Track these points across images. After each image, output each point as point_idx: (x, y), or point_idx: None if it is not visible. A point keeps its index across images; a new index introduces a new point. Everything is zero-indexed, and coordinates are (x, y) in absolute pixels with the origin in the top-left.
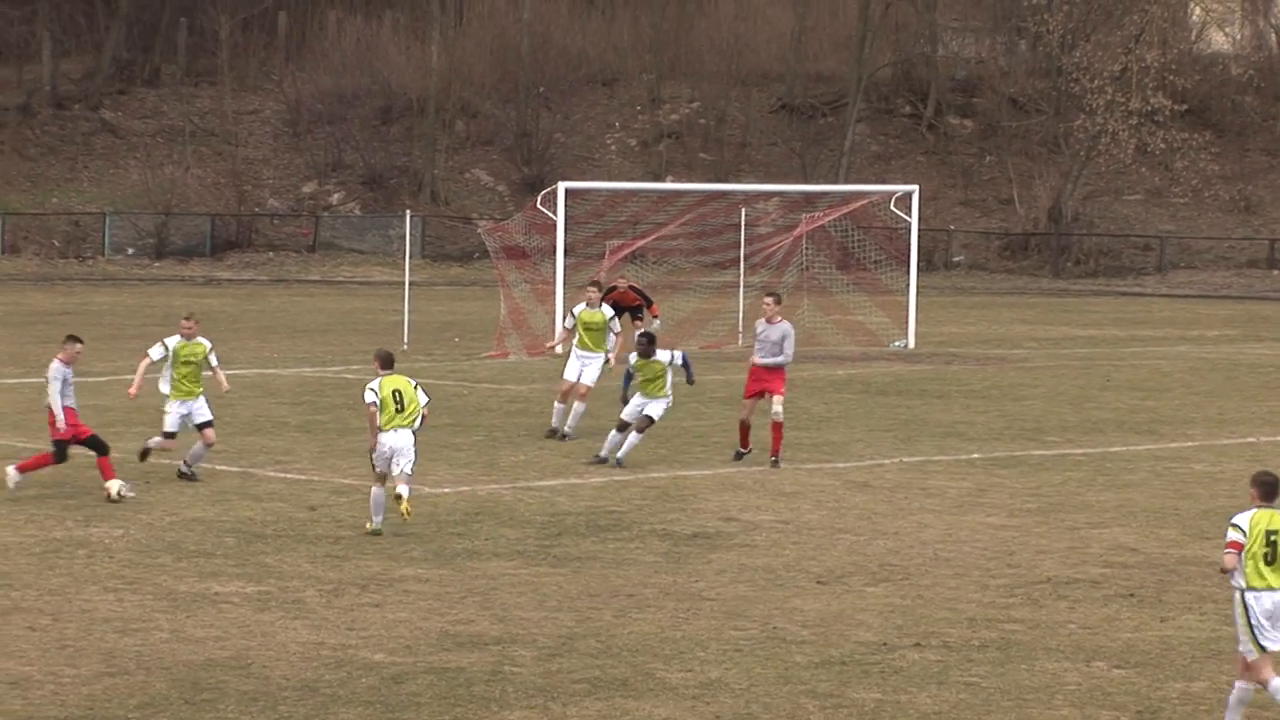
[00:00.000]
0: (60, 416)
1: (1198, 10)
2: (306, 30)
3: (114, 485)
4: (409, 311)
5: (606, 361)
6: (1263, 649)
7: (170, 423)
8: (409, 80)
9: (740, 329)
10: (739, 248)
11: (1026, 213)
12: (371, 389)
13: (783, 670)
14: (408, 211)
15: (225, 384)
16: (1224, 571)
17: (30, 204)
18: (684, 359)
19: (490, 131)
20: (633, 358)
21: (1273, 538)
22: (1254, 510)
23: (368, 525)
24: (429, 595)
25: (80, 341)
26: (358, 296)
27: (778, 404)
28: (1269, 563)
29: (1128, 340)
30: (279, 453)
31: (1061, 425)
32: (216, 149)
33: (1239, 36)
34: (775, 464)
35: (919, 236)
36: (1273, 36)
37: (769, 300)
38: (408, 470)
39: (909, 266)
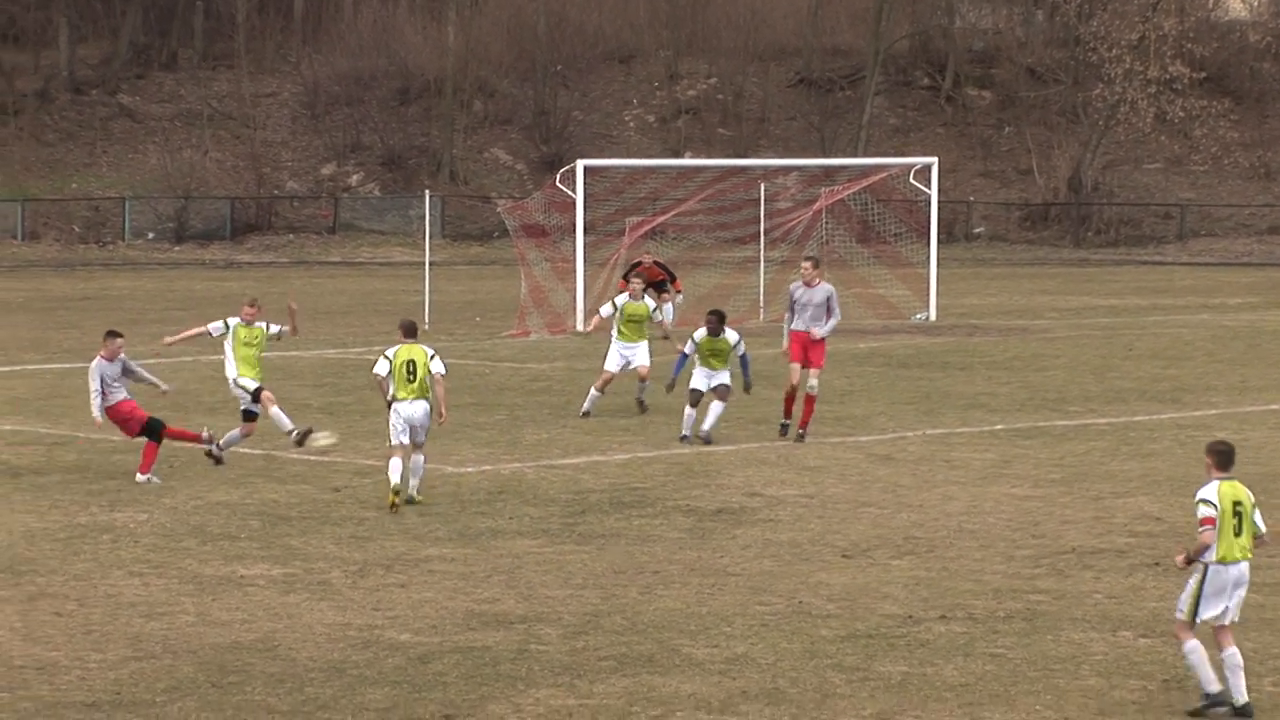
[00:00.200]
0: (98, 417)
1: None
2: (323, 12)
3: (142, 478)
4: (430, 291)
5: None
6: (1195, 619)
7: (249, 384)
8: (426, 61)
9: (762, 304)
10: (759, 223)
11: (1046, 183)
12: (386, 357)
13: (809, 644)
14: (427, 192)
15: (297, 328)
16: (1200, 551)
17: (49, 190)
18: (745, 358)
19: (508, 110)
20: (699, 334)
21: (1238, 508)
22: (1218, 482)
23: (394, 492)
24: (454, 575)
25: (120, 335)
26: (378, 277)
27: (814, 377)
28: (1237, 534)
29: (1149, 309)
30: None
31: (1084, 395)
32: (235, 132)
33: (1257, 3)
34: (801, 438)
35: (939, 208)
36: None
37: (807, 264)
38: (420, 439)
39: (929, 239)
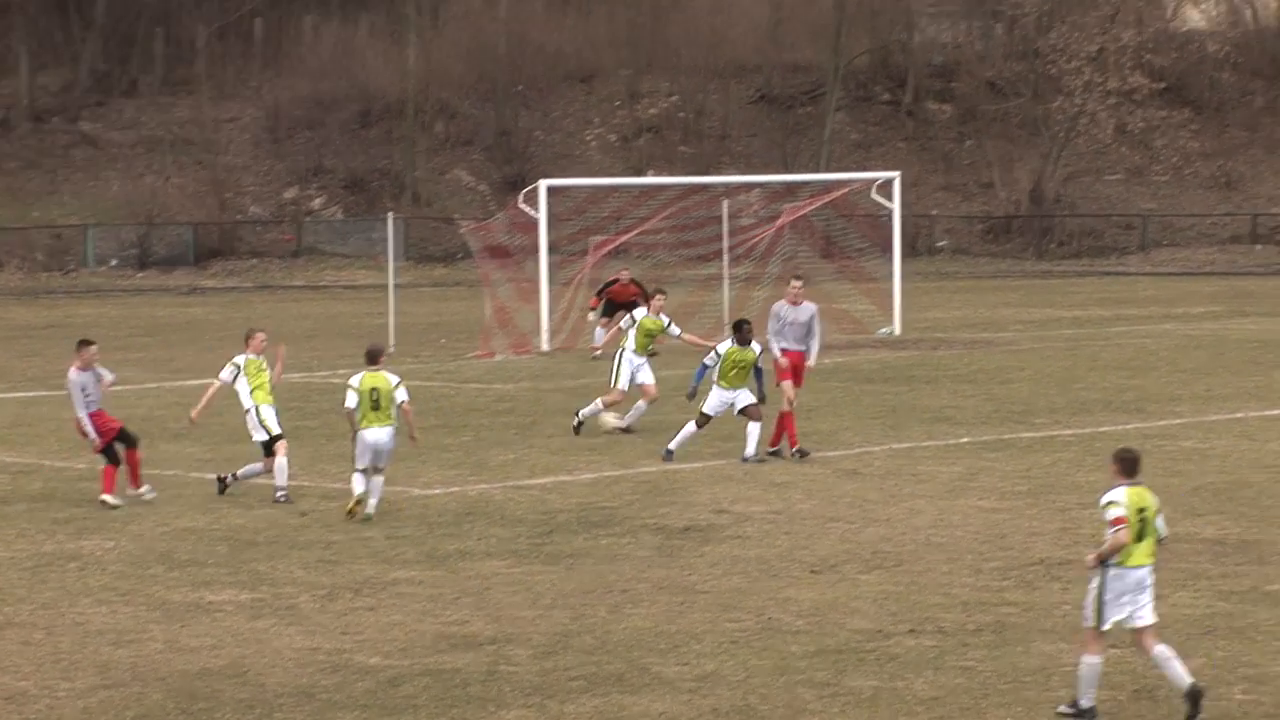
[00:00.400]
0: (89, 427)
1: None
2: (283, 36)
3: (109, 499)
4: (394, 314)
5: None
6: (1101, 623)
7: (272, 424)
8: (387, 83)
9: (726, 320)
10: (722, 240)
11: (1008, 195)
12: (352, 387)
13: (779, 661)
14: (390, 214)
15: (280, 375)
16: (1114, 550)
17: (11, 218)
18: (760, 370)
19: (470, 131)
20: (724, 346)
21: (1143, 514)
22: (1124, 488)
23: (354, 494)
24: (423, 597)
25: (93, 343)
26: (342, 300)
27: (793, 393)
28: (1140, 539)
29: (1113, 320)
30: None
31: (1049, 407)
32: (197, 158)
33: (1215, 13)
34: (775, 454)
35: (901, 223)
36: (1248, 12)
37: (798, 283)
38: (381, 464)
39: (892, 253)
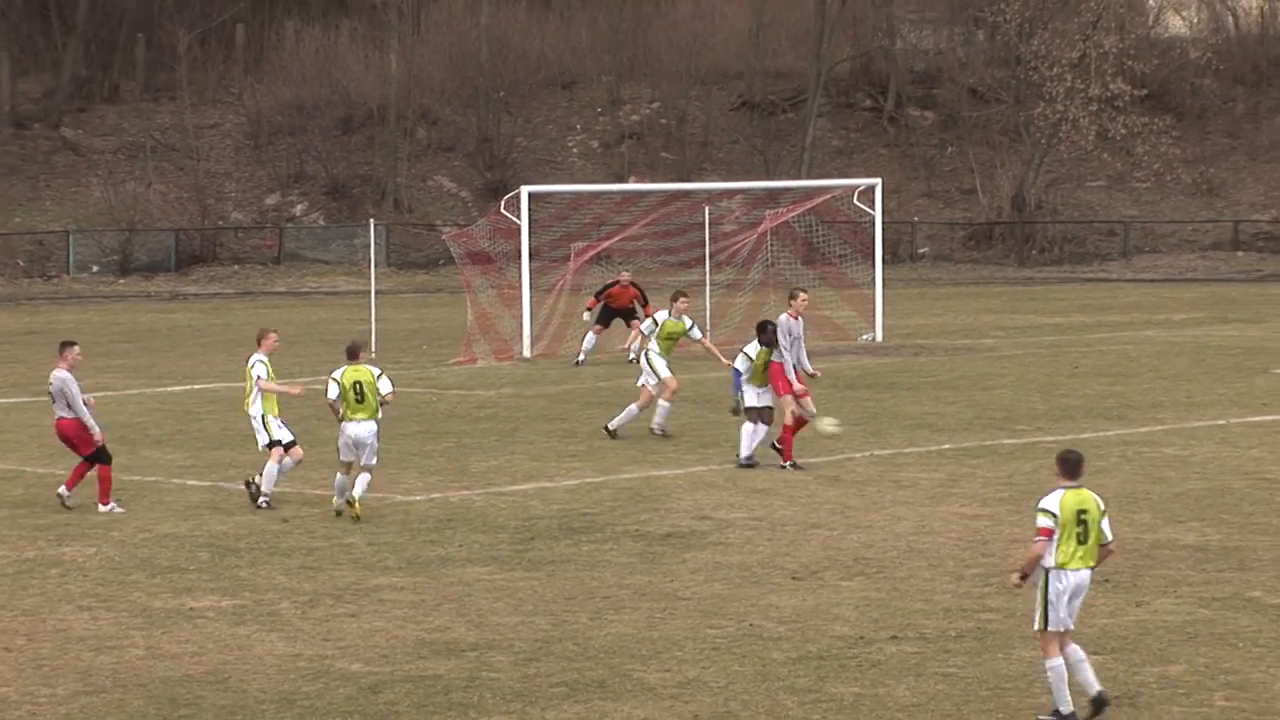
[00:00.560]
0: (94, 426)
1: None
2: (264, 42)
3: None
4: (376, 320)
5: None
6: (1047, 625)
7: (279, 433)
8: (369, 89)
9: (708, 327)
10: (704, 246)
11: (990, 202)
12: (334, 379)
13: (760, 667)
14: (371, 220)
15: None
16: (1032, 563)
17: None
18: (738, 373)
19: (451, 138)
20: (753, 349)
21: (1084, 517)
22: (1062, 492)
23: (334, 501)
24: (404, 604)
25: (76, 344)
26: (324, 307)
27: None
28: (1082, 542)
29: (1094, 326)
30: (249, 466)
31: (1031, 413)
32: (178, 164)
33: (1196, 20)
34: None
35: (883, 229)
36: (1230, 19)
37: (805, 295)
38: (369, 461)
39: (874, 260)
